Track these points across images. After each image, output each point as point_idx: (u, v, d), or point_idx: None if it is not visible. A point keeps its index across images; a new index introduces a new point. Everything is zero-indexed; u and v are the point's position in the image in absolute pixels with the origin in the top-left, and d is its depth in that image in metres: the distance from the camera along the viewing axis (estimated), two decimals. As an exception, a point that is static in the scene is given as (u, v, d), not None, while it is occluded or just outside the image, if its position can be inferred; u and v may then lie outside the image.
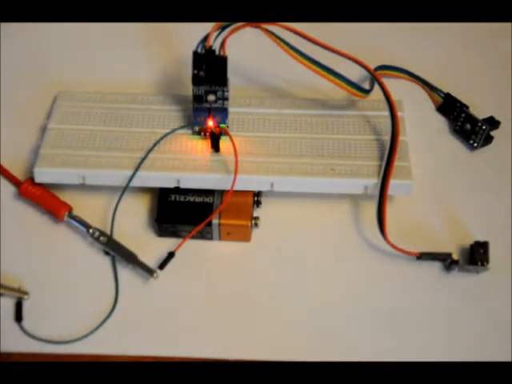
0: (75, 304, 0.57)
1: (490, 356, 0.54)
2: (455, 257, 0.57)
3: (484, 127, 0.64)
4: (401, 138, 0.60)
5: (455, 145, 0.66)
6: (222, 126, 0.61)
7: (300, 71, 0.60)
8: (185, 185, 0.59)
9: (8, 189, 0.63)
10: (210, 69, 0.58)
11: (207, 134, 0.61)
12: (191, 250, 0.59)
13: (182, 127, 0.62)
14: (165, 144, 0.61)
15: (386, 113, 0.60)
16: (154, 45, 0.73)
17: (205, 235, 0.60)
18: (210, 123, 0.61)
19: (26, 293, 0.57)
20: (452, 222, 0.60)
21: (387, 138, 0.60)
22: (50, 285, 0.58)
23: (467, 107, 0.66)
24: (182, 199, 0.60)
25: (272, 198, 0.61)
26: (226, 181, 0.59)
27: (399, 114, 0.60)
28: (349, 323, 0.56)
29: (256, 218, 0.59)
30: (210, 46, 0.57)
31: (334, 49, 0.59)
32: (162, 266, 0.58)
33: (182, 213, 0.59)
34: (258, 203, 0.61)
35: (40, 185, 0.61)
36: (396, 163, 0.59)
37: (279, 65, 0.64)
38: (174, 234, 0.59)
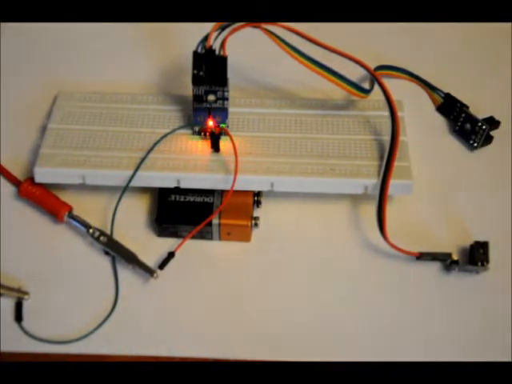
0: (75, 304, 0.57)
1: (490, 356, 0.54)
2: (455, 257, 0.57)
3: (484, 127, 0.64)
4: (401, 138, 0.60)
5: (455, 145, 0.66)
6: (222, 126, 0.61)
7: (300, 71, 0.60)
8: (185, 185, 0.59)
9: (8, 189, 0.63)
10: (210, 69, 0.58)
11: (207, 134, 0.61)
12: (191, 250, 0.59)
13: (182, 127, 0.62)
14: (165, 144, 0.61)
15: (386, 113, 0.60)
16: (153, 45, 0.73)
17: (205, 235, 0.60)
18: (210, 123, 0.61)
19: (26, 293, 0.57)
20: (452, 222, 0.61)
21: (387, 138, 0.60)
22: (50, 285, 0.58)
23: (467, 107, 0.66)
24: (182, 199, 0.60)
25: (272, 198, 0.61)
26: (226, 181, 0.59)
27: (399, 114, 0.60)
28: (349, 323, 0.56)
29: (256, 218, 0.59)
30: (210, 46, 0.57)
31: (334, 49, 0.59)
32: (161, 265, 0.58)
33: (182, 213, 0.59)
34: (258, 203, 0.61)
35: (40, 185, 0.61)
36: (396, 163, 0.59)
37: (279, 65, 0.64)
38: (174, 234, 0.59)
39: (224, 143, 0.60)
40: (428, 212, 0.61)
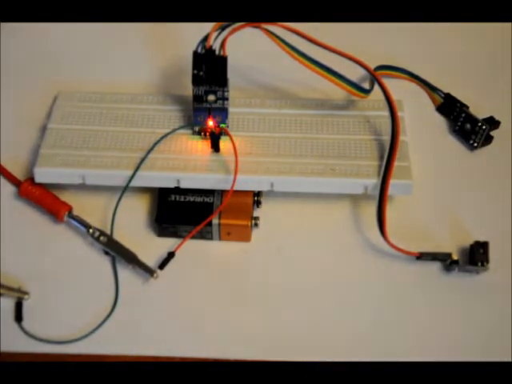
0: (75, 304, 0.57)
1: (490, 356, 0.54)
2: (455, 257, 0.57)
3: (484, 127, 0.64)
4: (401, 137, 0.60)
5: (455, 145, 0.66)
6: (222, 126, 0.61)
7: (300, 71, 0.60)
8: (185, 185, 0.59)
9: (8, 189, 0.63)
10: (210, 69, 0.58)
11: (207, 134, 0.61)
12: (191, 250, 0.59)
13: (182, 127, 0.62)
14: (165, 144, 0.61)
15: (386, 113, 0.60)
16: (154, 45, 0.73)
17: (205, 235, 0.60)
18: (210, 123, 0.61)
19: (26, 293, 0.57)
20: (452, 222, 0.61)
21: (387, 138, 0.60)
22: (50, 285, 0.58)
23: (467, 107, 0.66)
24: (182, 199, 0.60)
25: (272, 198, 0.61)
26: (225, 181, 0.59)
27: (399, 114, 0.60)
28: (349, 323, 0.56)
29: (256, 218, 0.59)
30: (210, 46, 0.57)
31: (334, 49, 0.59)
32: (162, 265, 0.58)
33: (181, 213, 0.59)
34: (258, 203, 0.61)
35: (40, 185, 0.61)
36: (396, 163, 0.59)
37: (279, 65, 0.64)
38: (174, 234, 0.59)
39: (224, 143, 0.60)
40: (428, 212, 0.61)
